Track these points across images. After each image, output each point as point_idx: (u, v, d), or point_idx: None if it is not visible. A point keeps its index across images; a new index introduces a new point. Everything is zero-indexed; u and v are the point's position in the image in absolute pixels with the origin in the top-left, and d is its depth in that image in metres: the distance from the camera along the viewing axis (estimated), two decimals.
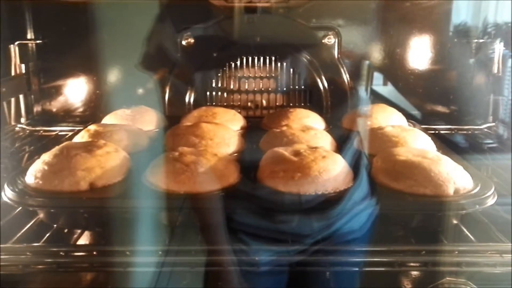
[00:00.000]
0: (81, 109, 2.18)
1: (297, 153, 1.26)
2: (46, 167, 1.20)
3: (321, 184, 1.17)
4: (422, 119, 2.12)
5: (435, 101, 2.17)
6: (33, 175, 1.20)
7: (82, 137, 1.52)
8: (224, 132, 1.55)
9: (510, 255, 1.03)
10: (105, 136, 1.49)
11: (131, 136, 1.54)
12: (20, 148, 1.82)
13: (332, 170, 1.20)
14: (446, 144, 1.61)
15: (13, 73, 1.98)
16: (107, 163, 1.24)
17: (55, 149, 1.28)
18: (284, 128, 1.57)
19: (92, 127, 1.56)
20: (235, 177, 1.26)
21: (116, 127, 1.57)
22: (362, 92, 2.13)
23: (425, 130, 1.72)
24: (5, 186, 1.20)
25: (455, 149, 1.57)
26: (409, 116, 2.01)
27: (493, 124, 2.06)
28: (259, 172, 1.28)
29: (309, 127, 1.59)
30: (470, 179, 1.23)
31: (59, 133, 1.98)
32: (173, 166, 1.21)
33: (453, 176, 1.18)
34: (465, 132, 2.04)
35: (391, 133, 1.51)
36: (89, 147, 1.27)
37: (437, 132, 2.00)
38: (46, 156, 1.24)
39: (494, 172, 1.57)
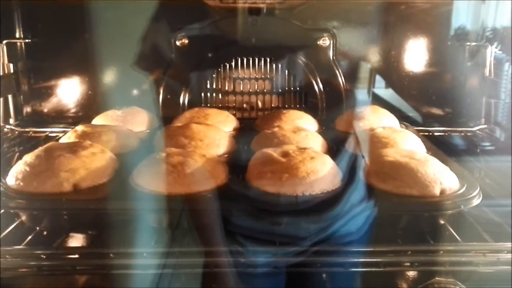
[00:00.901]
0: (72, 110, 2.16)
1: (285, 154, 1.25)
2: (27, 168, 1.18)
3: (308, 185, 1.16)
4: (420, 121, 2.12)
5: (430, 103, 2.17)
6: (14, 176, 1.18)
7: (69, 137, 1.50)
8: (215, 133, 1.53)
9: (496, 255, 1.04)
10: (93, 136, 1.46)
11: (120, 137, 1.51)
12: (9, 149, 1.80)
13: (320, 171, 1.19)
14: (436, 145, 1.60)
15: (1, 73, 1.95)
16: (92, 164, 1.22)
17: (37, 150, 1.26)
18: (276, 129, 1.56)
19: (80, 128, 1.54)
20: (223, 178, 1.25)
21: (105, 128, 1.55)
22: (359, 94, 2.12)
23: (417, 132, 1.72)
24: None
25: (446, 150, 1.56)
26: (407, 118, 2.01)
27: (485, 126, 2.06)
28: (247, 173, 1.26)
29: (300, 128, 1.58)
30: (457, 180, 1.22)
31: (49, 134, 1.96)
32: (160, 167, 1.19)
33: (440, 177, 1.18)
34: (457, 134, 2.05)
35: (381, 134, 1.50)
36: (73, 148, 1.25)
37: (430, 134, 2.00)
38: (28, 157, 1.22)
39: (487, 174, 1.58)
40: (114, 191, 1.18)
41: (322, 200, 1.14)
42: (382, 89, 2.16)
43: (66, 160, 1.19)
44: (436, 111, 2.17)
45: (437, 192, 1.15)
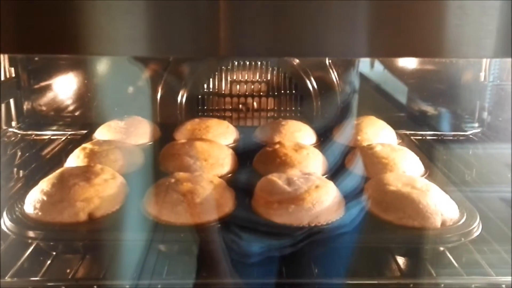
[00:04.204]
0: (72, 111, 2.21)
1: (290, 182, 1.29)
2: (45, 198, 1.21)
3: (314, 216, 1.20)
4: (408, 120, 2.18)
5: (423, 105, 2.22)
6: (32, 205, 1.22)
7: (77, 156, 1.53)
8: (219, 152, 1.57)
9: None
10: (100, 156, 1.50)
11: (126, 155, 1.55)
12: (13, 154, 1.84)
13: (325, 201, 1.23)
14: (430, 152, 1.66)
15: (2, 77, 1.97)
16: (104, 192, 1.26)
17: (53, 177, 1.29)
18: (277, 146, 1.59)
19: (88, 146, 1.56)
20: (231, 205, 1.29)
21: (111, 145, 1.58)
22: (352, 97, 2.13)
23: (413, 143, 1.79)
24: (4, 215, 1.21)
25: (439, 157, 1.61)
26: (396, 118, 2.06)
27: (479, 130, 2.11)
28: (253, 201, 1.30)
29: (301, 145, 1.62)
30: (457, 209, 1.26)
31: (51, 137, 2.01)
32: (170, 197, 1.23)
33: (440, 208, 1.21)
34: (451, 138, 2.08)
35: (381, 154, 1.54)
36: (86, 175, 1.29)
37: (423, 138, 2.04)
38: (44, 185, 1.25)
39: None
40: (126, 221, 1.23)
41: (328, 232, 1.19)
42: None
43: (80, 189, 1.23)
44: (430, 113, 2.23)
45: (438, 223, 1.19)
